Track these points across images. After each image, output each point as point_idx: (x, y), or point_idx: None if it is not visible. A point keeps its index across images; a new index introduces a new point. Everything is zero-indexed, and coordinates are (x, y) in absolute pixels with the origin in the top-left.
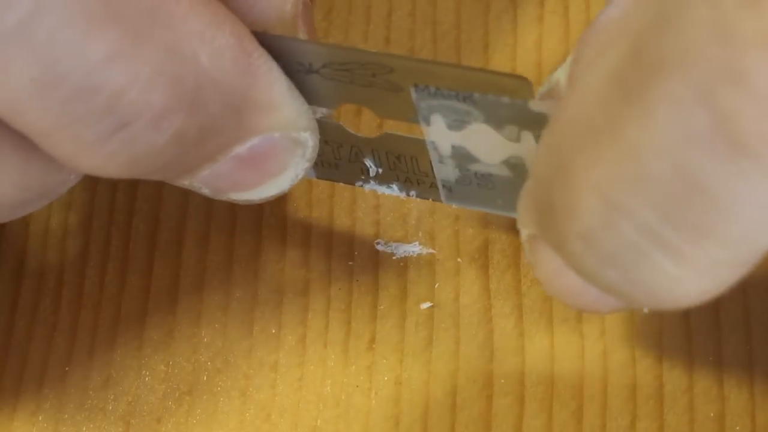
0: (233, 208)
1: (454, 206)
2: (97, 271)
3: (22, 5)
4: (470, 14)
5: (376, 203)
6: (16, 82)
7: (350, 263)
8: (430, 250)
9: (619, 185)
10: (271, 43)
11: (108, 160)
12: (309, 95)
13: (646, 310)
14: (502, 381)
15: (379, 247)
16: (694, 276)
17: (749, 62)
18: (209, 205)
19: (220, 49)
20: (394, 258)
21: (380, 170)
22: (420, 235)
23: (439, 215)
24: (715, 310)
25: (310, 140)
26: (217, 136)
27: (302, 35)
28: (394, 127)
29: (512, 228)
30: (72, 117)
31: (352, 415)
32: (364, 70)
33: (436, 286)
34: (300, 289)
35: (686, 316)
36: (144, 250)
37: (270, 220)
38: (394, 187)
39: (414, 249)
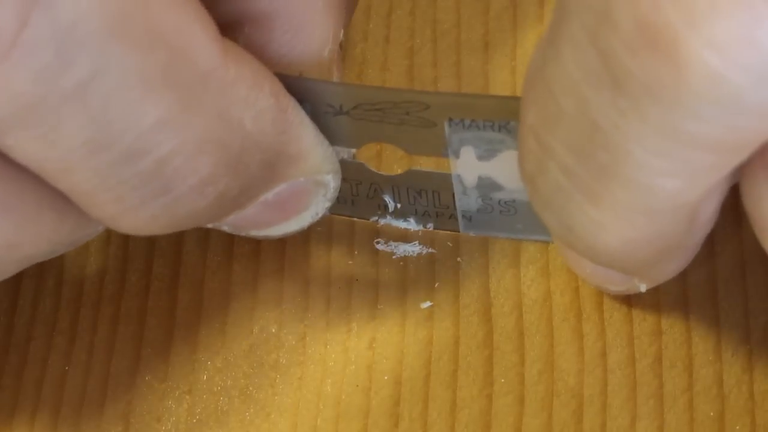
0: None
1: (471, 234)
2: (97, 271)
3: (81, 68)
4: (470, 13)
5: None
6: (68, 142)
7: (350, 263)
8: (430, 250)
9: (544, 125)
10: (303, 86)
11: (149, 222)
12: (335, 136)
13: (643, 289)
14: (502, 380)
15: (379, 247)
16: (612, 220)
17: (616, 3)
18: None
19: (261, 112)
20: (394, 257)
21: (399, 205)
22: (420, 234)
23: None
24: (714, 309)
25: (332, 182)
26: (251, 190)
27: (336, 78)
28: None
29: None
30: (117, 179)
31: (352, 414)
32: (398, 109)
33: (436, 285)
34: (300, 288)
35: (686, 315)
36: (144, 249)
37: None
38: (411, 220)
39: (414, 248)
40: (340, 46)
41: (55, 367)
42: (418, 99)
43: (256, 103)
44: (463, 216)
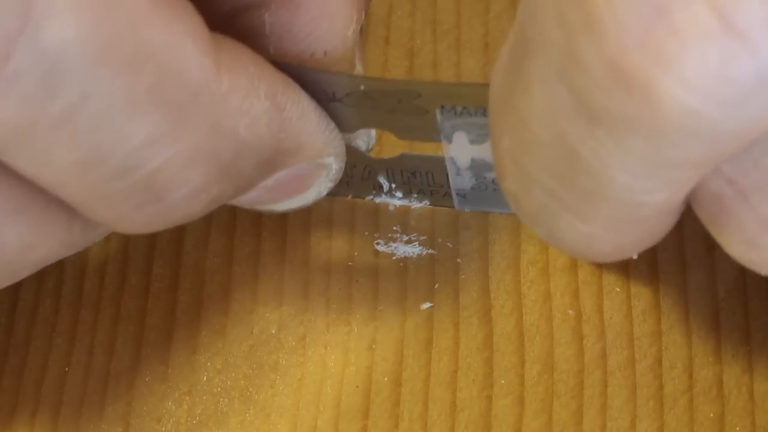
0: (233, 208)
1: (466, 210)
2: (97, 271)
3: (67, 95)
4: (470, 14)
5: (376, 203)
6: (58, 163)
7: (350, 263)
8: (430, 251)
9: (522, 151)
10: (294, 74)
11: (144, 226)
12: None
13: (635, 256)
14: (502, 381)
15: (379, 248)
16: (602, 232)
17: (581, 46)
18: None
19: (256, 117)
20: (393, 258)
21: (393, 185)
22: (420, 235)
23: (439, 215)
24: (714, 310)
25: (334, 164)
26: (248, 186)
27: (358, 59)
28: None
29: (512, 228)
30: (109, 191)
31: (351, 415)
32: (390, 98)
33: (436, 286)
34: (300, 289)
35: (686, 315)
36: (144, 250)
37: (269, 221)
38: (407, 199)
39: (414, 249)
40: (361, 29)
41: (55, 368)
42: (410, 88)
43: (251, 110)
44: (458, 194)
